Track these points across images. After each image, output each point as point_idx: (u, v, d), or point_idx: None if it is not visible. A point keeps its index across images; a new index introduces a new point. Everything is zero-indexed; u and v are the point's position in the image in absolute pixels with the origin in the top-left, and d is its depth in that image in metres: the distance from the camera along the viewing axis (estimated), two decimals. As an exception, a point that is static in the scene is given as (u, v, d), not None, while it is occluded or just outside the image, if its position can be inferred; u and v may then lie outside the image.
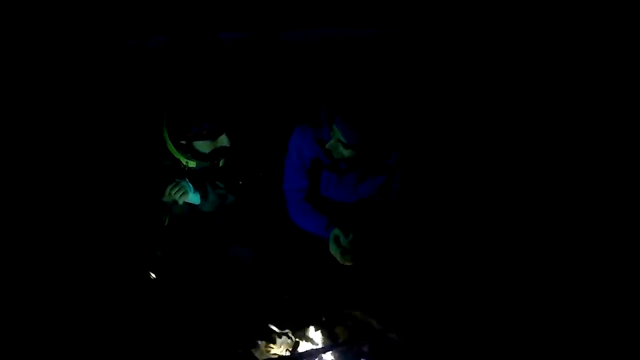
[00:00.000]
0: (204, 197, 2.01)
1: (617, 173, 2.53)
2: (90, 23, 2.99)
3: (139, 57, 3.13)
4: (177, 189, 1.94)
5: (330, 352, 1.69)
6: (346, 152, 1.86)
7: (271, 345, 1.75)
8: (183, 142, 1.92)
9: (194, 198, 2.00)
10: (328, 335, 1.78)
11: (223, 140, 1.94)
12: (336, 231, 1.90)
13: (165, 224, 2.08)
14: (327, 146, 1.88)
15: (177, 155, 1.97)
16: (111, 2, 3.10)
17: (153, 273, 1.97)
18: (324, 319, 1.84)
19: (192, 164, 1.98)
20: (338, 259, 1.89)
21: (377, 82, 1.91)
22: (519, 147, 2.80)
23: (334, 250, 1.90)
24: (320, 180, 2.07)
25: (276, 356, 1.70)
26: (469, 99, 2.97)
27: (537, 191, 2.58)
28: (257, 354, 1.71)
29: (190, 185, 1.97)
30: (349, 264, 1.89)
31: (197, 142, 1.92)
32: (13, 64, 2.62)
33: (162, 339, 1.71)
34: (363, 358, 1.70)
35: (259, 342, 1.75)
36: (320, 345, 1.74)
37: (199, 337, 1.74)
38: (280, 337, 1.77)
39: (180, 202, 1.97)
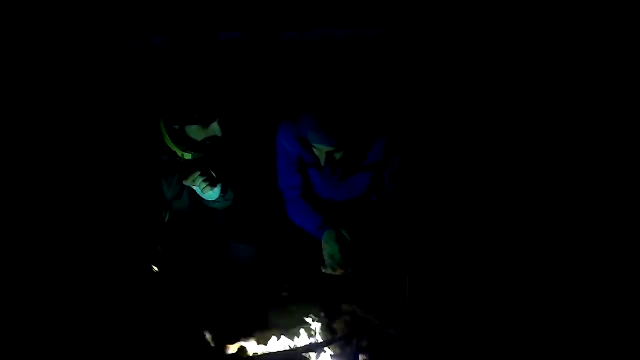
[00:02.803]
0: (223, 193, 1.99)
1: (617, 173, 2.54)
2: (87, 22, 3.00)
3: (139, 57, 3.15)
4: (205, 177, 1.89)
5: (329, 346, 1.70)
6: (337, 155, 1.88)
7: (270, 340, 1.76)
8: (176, 126, 1.87)
9: (214, 193, 1.97)
10: (327, 330, 1.79)
11: (215, 129, 1.88)
12: (330, 243, 1.91)
13: (165, 220, 2.08)
14: (323, 165, 1.91)
15: (173, 147, 1.96)
16: (110, 1, 3.11)
17: (154, 267, 1.97)
18: (322, 314, 1.85)
19: (187, 155, 1.97)
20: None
21: (352, 83, 1.92)
22: (514, 146, 2.81)
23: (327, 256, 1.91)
24: (309, 177, 2.09)
25: (275, 351, 1.72)
26: (458, 99, 2.99)
27: (533, 187, 2.60)
28: (256, 349, 1.72)
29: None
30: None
31: (189, 127, 1.86)
32: (13, 62, 2.63)
33: (161, 334, 1.71)
34: (361, 353, 1.71)
35: (258, 337, 1.76)
36: (319, 340, 1.75)
37: (198, 332, 1.75)
38: (279, 332, 1.78)
39: (204, 192, 1.93)
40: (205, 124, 1.86)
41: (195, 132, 1.87)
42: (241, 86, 2.70)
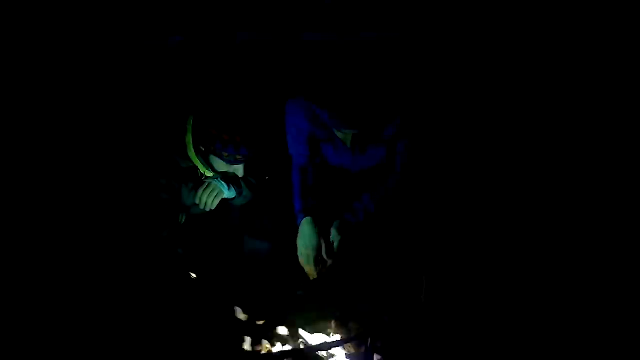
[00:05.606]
0: (239, 192, 2.01)
1: (617, 173, 2.48)
2: (106, 23, 3.02)
3: (157, 58, 3.17)
4: (209, 190, 1.91)
5: (344, 346, 1.69)
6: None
7: (285, 338, 1.75)
8: (202, 148, 1.89)
9: (229, 194, 1.99)
10: (342, 329, 1.78)
11: (238, 170, 1.95)
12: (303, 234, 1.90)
13: (182, 222, 2.09)
14: (349, 146, 1.89)
15: (196, 162, 1.98)
16: (127, 2, 3.14)
17: (192, 273, 2.00)
18: (338, 313, 1.84)
19: (209, 173, 1.99)
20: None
21: (371, 81, 1.90)
22: (519, 147, 2.76)
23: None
24: (320, 149, 2.08)
25: (290, 349, 1.71)
26: (467, 96, 2.94)
27: (534, 188, 2.55)
28: (271, 347, 1.72)
29: (224, 183, 1.95)
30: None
31: (213, 157, 1.90)
32: (31, 62, 2.66)
33: (178, 332, 1.72)
34: (376, 352, 1.69)
35: (274, 335, 1.76)
36: (334, 339, 1.74)
37: (214, 329, 1.76)
38: (294, 330, 1.78)
39: (214, 205, 1.95)
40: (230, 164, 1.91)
41: (219, 164, 1.92)
42: (265, 93, 2.68)
